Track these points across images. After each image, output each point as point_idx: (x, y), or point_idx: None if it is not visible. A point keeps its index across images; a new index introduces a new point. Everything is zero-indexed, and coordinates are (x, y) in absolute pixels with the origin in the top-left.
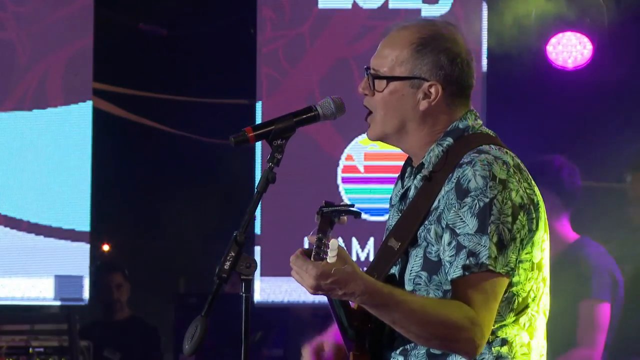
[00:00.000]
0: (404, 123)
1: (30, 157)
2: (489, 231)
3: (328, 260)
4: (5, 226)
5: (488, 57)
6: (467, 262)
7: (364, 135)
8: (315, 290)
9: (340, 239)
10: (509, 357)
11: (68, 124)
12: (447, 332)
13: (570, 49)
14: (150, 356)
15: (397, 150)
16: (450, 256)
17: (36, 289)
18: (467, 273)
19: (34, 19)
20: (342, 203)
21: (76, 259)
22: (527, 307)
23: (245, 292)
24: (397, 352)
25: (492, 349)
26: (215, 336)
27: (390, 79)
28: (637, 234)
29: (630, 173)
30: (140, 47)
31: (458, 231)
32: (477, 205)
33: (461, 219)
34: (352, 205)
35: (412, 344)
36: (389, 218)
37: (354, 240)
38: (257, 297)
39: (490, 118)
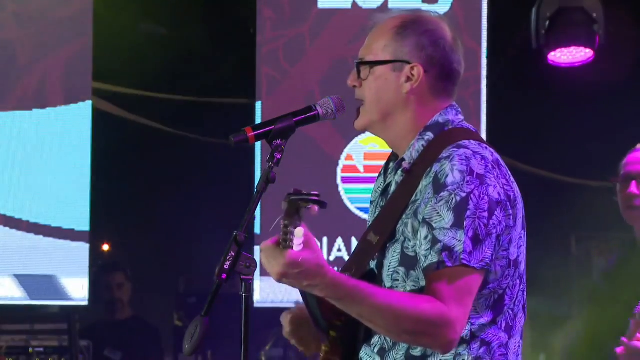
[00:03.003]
0: (389, 109)
1: (30, 156)
2: (464, 226)
3: (294, 248)
4: (5, 226)
5: (488, 57)
6: (442, 256)
7: (364, 135)
8: (282, 277)
9: (340, 239)
10: (487, 358)
11: (68, 123)
12: (416, 326)
13: (571, 50)
14: (151, 356)
15: None
16: (426, 250)
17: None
18: (440, 267)
19: (33, 19)
20: (311, 192)
21: (76, 259)
22: (504, 305)
23: (245, 292)
24: (375, 351)
25: (471, 349)
26: (215, 336)
27: (372, 64)
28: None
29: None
30: (140, 47)
31: (434, 225)
32: (454, 200)
33: (437, 213)
34: (318, 195)
35: (391, 344)
36: (369, 215)
37: (353, 239)
38: (257, 297)
39: (491, 118)
